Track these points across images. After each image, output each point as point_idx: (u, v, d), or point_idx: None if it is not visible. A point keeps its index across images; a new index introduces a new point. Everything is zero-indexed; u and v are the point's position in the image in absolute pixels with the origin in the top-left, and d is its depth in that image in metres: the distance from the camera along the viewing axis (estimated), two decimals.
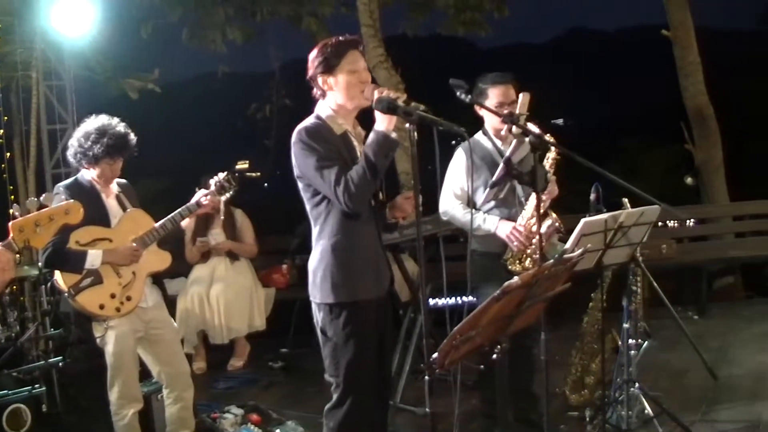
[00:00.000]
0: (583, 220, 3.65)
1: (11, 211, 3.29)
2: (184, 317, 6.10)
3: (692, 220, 8.24)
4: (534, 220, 3.80)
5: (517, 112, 3.83)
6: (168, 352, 4.22)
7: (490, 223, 4.01)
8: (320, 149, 3.15)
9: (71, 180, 4.14)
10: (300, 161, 3.21)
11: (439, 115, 2.94)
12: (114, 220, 4.06)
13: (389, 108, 3.03)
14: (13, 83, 7.30)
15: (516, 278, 2.61)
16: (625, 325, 4.31)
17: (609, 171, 3.53)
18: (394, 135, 3.13)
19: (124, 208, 4.13)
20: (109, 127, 4.03)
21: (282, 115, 11.78)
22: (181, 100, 22.93)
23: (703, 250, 7.85)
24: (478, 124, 4.15)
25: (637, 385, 4.28)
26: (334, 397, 3.30)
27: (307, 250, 3.38)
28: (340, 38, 3.25)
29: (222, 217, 6.18)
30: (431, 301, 5.58)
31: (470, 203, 4.02)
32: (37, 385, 4.67)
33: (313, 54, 3.25)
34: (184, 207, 4.17)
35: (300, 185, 3.29)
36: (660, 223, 7.60)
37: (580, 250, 3.16)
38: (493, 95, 4.03)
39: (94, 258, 3.87)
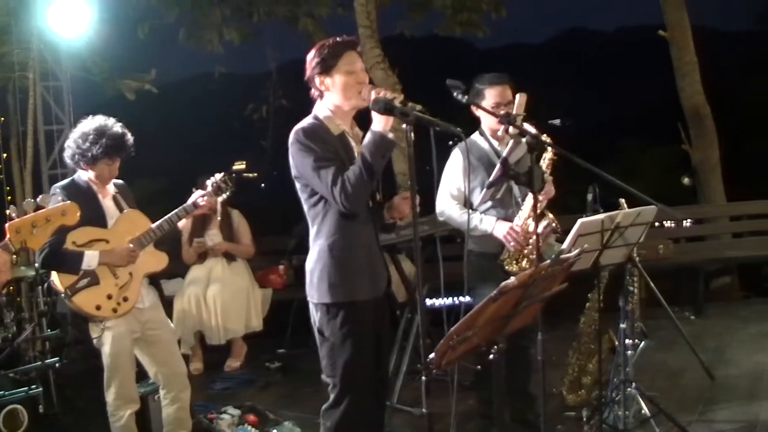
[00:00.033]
0: (580, 221, 3.66)
1: (8, 212, 3.29)
2: (181, 318, 6.10)
3: (689, 220, 8.26)
4: (531, 220, 3.81)
5: (514, 112, 3.84)
6: (165, 353, 4.21)
7: (487, 223, 4.01)
8: (317, 149, 3.15)
9: (68, 181, 4.12)
10: (297, 161, 3.22)
11: (436, 115, 2.93)
12: (111, 221, 4.05)
13: (386, 108, 3.02)
14: (10, 84, 7.30)
15: (513, 278, 2.61)
16: (622, 326, 4.31)
17: (607, 171, 3.52)
18: (391, 135, 3.13)
19: (120, 209, 4.12)
20: (106, 127, 4.02)
21: (279, 115, 11.74)
22: (178, 100, 22.90)
23: (700, 250, 7.86)
24: (474, 124, 4.15)
25: (634, 385, 4.28)
26: (331, 397, 3.31)
27: (304, 250, 3.38)
28: (338, 39, 3.25)
29: (219, 218, 6.17)
30: (428, 302, 5.60)
31: (467, 204, 4.02)
32: (33, 386, 4.65)
33: (310, 55, 3.25)
34: (181, 208, 4.16)
35: (297, 185, 3.29)
36: (657, 224, 7.61)
37: (577, 251, 3.16)
38: (490, 96, 4.03)
39: (90, 259, 3.86)
